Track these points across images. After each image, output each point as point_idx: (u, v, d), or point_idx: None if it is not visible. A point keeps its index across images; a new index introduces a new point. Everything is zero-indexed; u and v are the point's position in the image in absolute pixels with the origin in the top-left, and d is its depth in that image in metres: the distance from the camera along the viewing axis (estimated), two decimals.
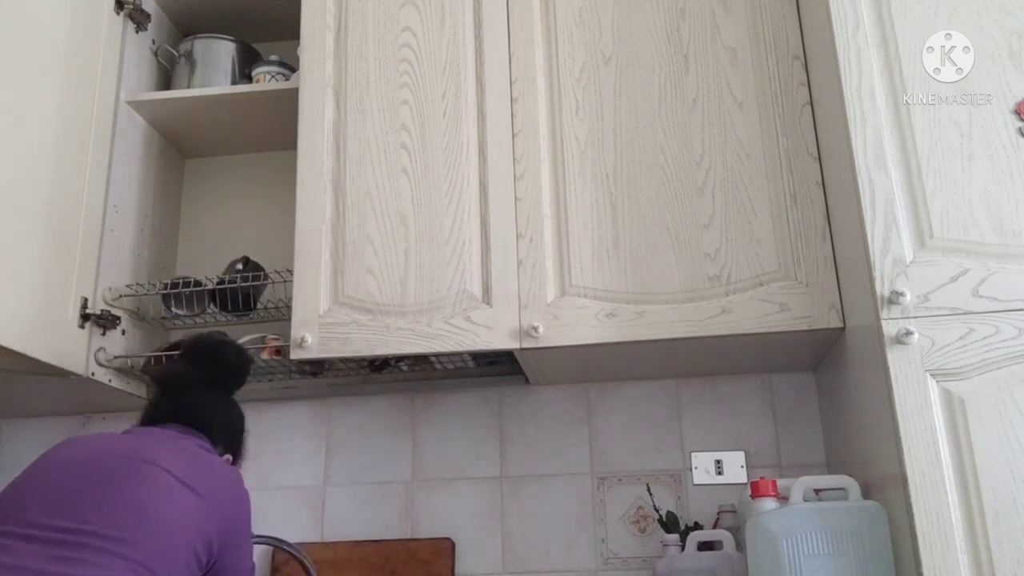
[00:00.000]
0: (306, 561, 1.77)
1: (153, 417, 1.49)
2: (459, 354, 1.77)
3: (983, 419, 1.33)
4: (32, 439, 2.07)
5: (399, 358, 1.86)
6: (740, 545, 1.63)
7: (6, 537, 1.21)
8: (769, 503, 1.48)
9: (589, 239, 1.72)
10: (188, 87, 2.09)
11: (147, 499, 1.26)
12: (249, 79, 2.11)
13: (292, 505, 1.99)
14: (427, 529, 1.94)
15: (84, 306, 1.81)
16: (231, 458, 1.55)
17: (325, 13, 1.93)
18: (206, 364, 1.55)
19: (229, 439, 1.54)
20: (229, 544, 1.34)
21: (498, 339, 1.68)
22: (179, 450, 1.37)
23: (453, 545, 1.90)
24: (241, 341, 1.91)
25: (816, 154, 1.70)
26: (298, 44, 1.92)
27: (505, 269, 1.72)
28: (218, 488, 1.35)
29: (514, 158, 1.78)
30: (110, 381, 1.87)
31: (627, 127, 1.77)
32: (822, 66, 1.65)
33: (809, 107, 1.73)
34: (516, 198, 1.76)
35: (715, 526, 1.77)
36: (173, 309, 1.96)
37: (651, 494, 1.89)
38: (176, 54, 2.14)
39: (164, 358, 1.85)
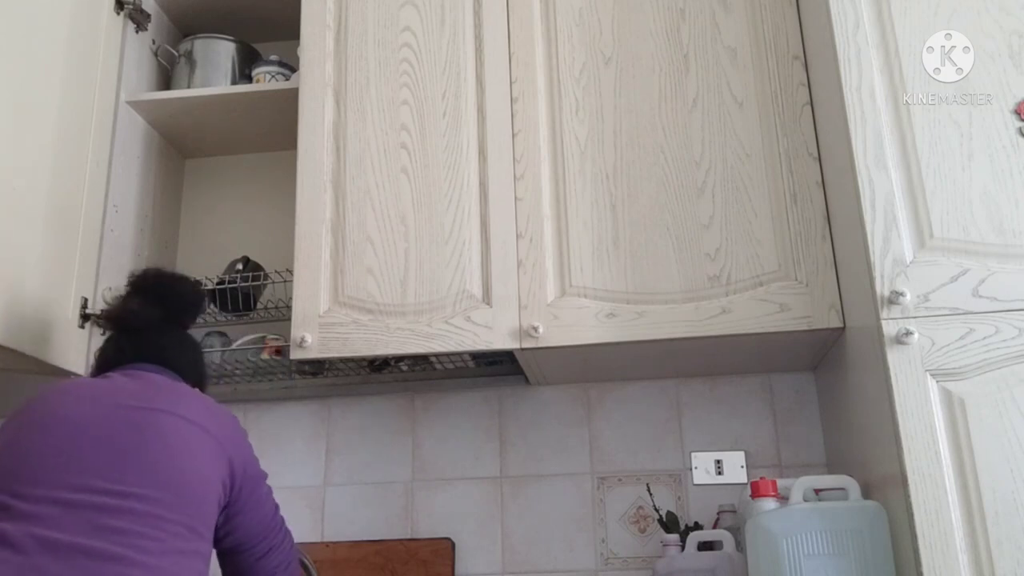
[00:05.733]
0: (306, 561, 1.77)
1: (119, 359, 1.43)
2: (459, 354, 1.77)
3: (983, 419, 1.33)
4: None
5: (399, 358, 1.86)
6: (740, 545, 1.63)
7: (39, 504, 1.15)
8: (769, 503, 1.48)
9: (589, 239, 1.72)
10: (188, 87, 2.09)
11: (176, 453, 1.24)
12: (249, 79, 2.11)
13: (292, 505, 1.98)
14: (427, 529, 1.94)
15: (84, 306, 1.81)
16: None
17: (325, 13, 1.93)
18: (162, 301, 1.49)
19: (195, 375, 1.50)
20: (245, 486, 1.34)
21: (498, 339, 1.68)
22: (185, 394, 1.35)
23: (453, 545, 1.90)
24: (241, 341, 1.92)
25: (816, 154, 1.70)
26: (298, 44, 1.92)
27: (505, 269, 1.72)
28: (227, 429, 1.35)
29: (514, 158, 1.78)
30: None
31: (627, 127, 1.77)
32: (822, 66, 1.65)
33: (809, 107, 1.73)
34: (516, 198, 1.76)
35: (715, 526, 1.77)
36: None
37: (651, 494, 1.89)
38: (176, 54, 2.14)
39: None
